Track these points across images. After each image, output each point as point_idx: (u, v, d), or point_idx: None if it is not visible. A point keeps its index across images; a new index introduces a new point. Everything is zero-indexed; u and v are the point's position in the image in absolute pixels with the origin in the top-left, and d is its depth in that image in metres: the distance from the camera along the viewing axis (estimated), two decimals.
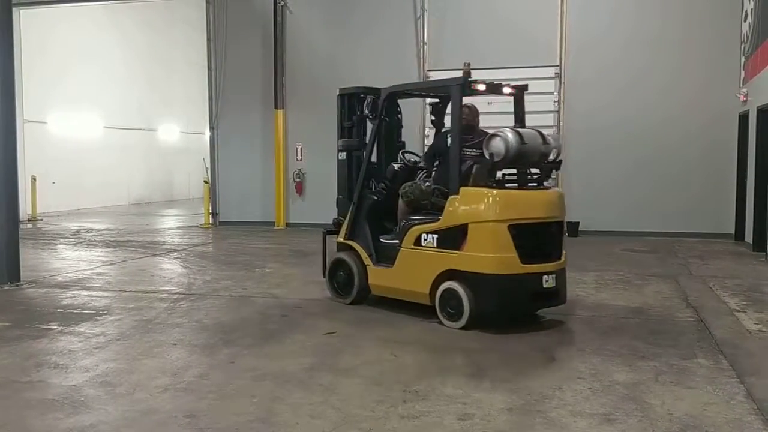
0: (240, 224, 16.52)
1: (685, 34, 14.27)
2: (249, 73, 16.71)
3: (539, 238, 6.80)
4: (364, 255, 7.66)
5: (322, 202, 16.29)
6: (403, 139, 8.52)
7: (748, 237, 12.67)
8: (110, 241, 14.09)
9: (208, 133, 17.72)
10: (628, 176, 14.59)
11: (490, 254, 6.52)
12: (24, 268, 9.44)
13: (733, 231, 13.79)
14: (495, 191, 6.62)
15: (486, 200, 6.57)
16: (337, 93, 8.46)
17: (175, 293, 8.63)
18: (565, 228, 7.16)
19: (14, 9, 11.75)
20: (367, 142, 8.00)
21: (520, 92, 7.59)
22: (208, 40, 17.02)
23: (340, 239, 8.01)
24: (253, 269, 10.52)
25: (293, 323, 7.08)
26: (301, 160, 16.50)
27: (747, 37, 13.24)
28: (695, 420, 4.48)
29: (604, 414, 4.59)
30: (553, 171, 7.36)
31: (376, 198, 7.73)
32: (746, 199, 12.93)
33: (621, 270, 10.27)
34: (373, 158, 8.07)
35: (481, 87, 7.08)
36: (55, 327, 6.91)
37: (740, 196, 13.50)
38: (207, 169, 17.39)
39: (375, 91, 8.01)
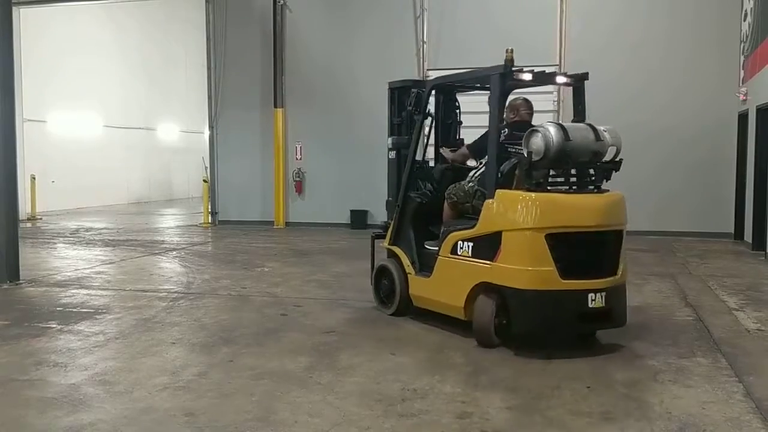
0: (239, 223, 16.53)
1: (683, 34, 14.28)
2: (248, 72, 16.72)
3: (588, 250, 5.96)
4: (406, 262, 7.05)
5: (321, 202, 16.38)
6: (462, 137, 7.96)
7: (748, 236, 12.67)
8: (109, 240, 14.10)
9: (207, 132, 17.73)
10: (627, 175, 14.39)
11: (524, 267, 5.76)
12: (23, 267, 9.44)
13: (732, 230, 13.80)
14: (533, 195, 5.83)
15: (520, 205, 5.82)
16: (387, 87, 7.89)
17: (174, 292, 8.63)
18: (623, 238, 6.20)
19: (14, 8, 11.74)
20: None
21: (577, 81, 6.77)
22: (208, 39, 17.02)
23: (385, 244, 7.44)
24: (252, 268, 10.52)
25: (292, 322, 7.08)
26: (300, 159, 16.50)
27: (746, 37, 13.24)
28: (694, 419, 4.48)
29: (603, 413, 4.59)
30: (613, 172, 6.35)
31: (420, 200, 7.10)
32: (745, 198, 12.94)
33: None
34: (427, 156, 7.74)
35: (526, 76, 6.38)
36: (55, 326, 6.91)
37: (739, 196, 13.51)
38: (206, 168, 17.39)
39: (422, 84, 7.50)
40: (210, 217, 17.00)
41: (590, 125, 6.19)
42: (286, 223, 16.52)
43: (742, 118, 13.42)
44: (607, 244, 6.06)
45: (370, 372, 5.42)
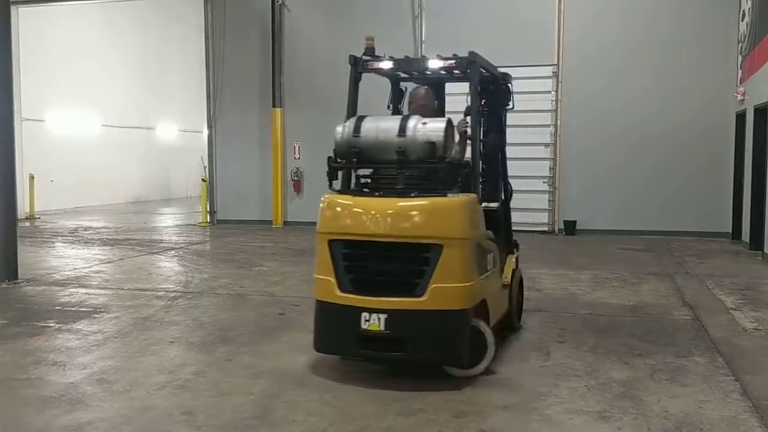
0: (237, 222, 16.54)
1: (682, 33, 14.29)
2: (247, 72, 16.72)
3: (377, 263, 5.14)
4: None
5: (319, 201, 16.36)
6: None
7: (745, 236, 12.69)
8: (108, 239, 14.09)
9: (205, 132, 17.72)
10: (625, 175, 14.62)
11: (315, 274, 5.39)
12: (22, 266, 9.44)
13: (729, 230, 13.83)
14: (326, 197, 5.39)
15: (319, 208, 5.40)
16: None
17: (173, 291, 8.64)
18: (465, 254, 5.08)
19: (12, 7, 11.74)
20: None
21: (464, 68, 5.74)
22: (206, 38, 17.02)
23: None
24: (251, 267, 10.53)
25: (290, 321, 7.10)
26: (299, 158, 16.50)
27: (744, 36, 13.26)
28: (690, 417, 4.50)
29: (600, 411, 4.61)
30: (458, 175, 5.39)
31: None
32: (743, 197, 12.95)
33: (617, 268, 10.29)
34: None
35: (382, 64, 5.86)
36: (53, 324, 6.91)
37: (737, 195, 13.53)
38: (205, 167, 17.39)
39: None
40: (208, 217, 17.01)
41: (410, 117, 5.30)
42: (284, 222, 16.53)
43: (740, 117, 13.44)
44: (401, 259, 5.08)
45: (368, 371, 5.43)
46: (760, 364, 5.70)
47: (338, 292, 5.14)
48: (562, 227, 14.82)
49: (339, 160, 5.43)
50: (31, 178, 17.73)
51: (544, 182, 15.01)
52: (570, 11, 14.66)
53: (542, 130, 14.92)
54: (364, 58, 5.83)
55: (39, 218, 17.95)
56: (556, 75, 14.78)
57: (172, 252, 12.22)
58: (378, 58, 5.84)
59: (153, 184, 25.86)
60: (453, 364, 5.19)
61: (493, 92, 6.51)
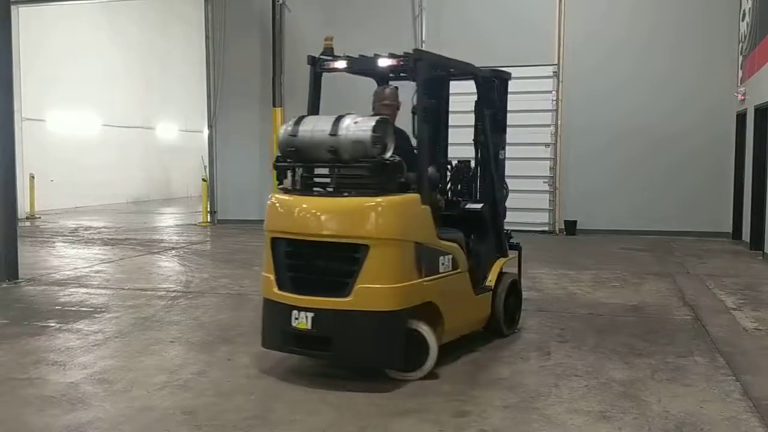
0: (238, 222, 16.51)
1: (683, 33, 14.29)
2: (247, 72, 16.71)
3: (309, 262, 5.21)
4: None
5: None
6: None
7: (746, 236, 12.68)
8: (108, 238, 14.10)
9: (206, 132, 17.71)
10: (625, 175, 14.61)
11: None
12: (22, 266, 9.44)
13: (730, 230, 13.82)
14: (273, 196, 5.52)
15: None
16: None
17: (173, 291, 8.64)
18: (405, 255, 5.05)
19: (13, 7, 11.75)
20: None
21: (411, 63, 5.54)
22: (207, 38, 17.00)
23: None
24: (251, 267, 10.50)
25: None
26: None
27: (745, 36, 13.25)
28: (691, 417, 4.49)
29: (601, 411, 4.61)
30: (386, 173, 5.11)
31: None
32: (743, 198, 12.95)
33: (618, 268, 10.29)
34: None
35: (337, 63, 5.85)
36: (53, 324, 6.91)
37: (737, 195, 13.52)
38: (205, 167, 17.39)
39: None
40: (209, 216, 17.00)
41: (344, 117, 5.20)
42: None
43: (741, 118, 13.44)
44: (329, 258, 5.12)
45: (367, 371, 5.42)
46: (760, 364, 5.70)
47: (275, 290, 5.23)
48: (563, 227, 14.81)
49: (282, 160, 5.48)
50: (32, 177, 17.73)
51: (544, 182, 15.01)
52: (571, 11, 14.65)
53: (543, 129, 14.91)
54: (322, 58, 5.86)
55: (39, 218, 17.95)
56: (556, 75, 14.78)
57: (173, 252, 12.22)
58: (334, 58, 5.83)
59: (153, 184, 25.85)
60: (383, 366, 5.20)
61: (482, 91, 6.55)
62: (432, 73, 5.93)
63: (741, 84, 13.42)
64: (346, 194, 5.19)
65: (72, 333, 6.59)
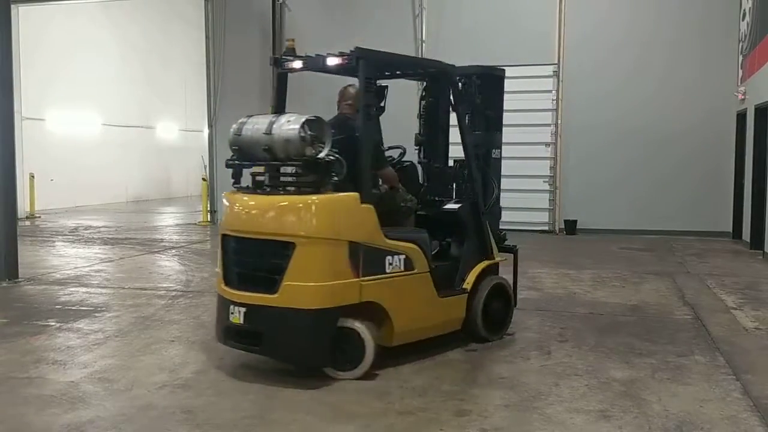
0: None
1: (683, 33, 14.29)
2: (247, 71, 16.69)
3: (243, 258, 5.43)
4: None
5: None
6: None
7: (746, 235, 12.69)
8: (108, 238, 14.09)
9: (206, 131, 17.71)
10: (626, 175, 14.61)
11: None
12: (22, 265, 9.44)
13: (730, 229, 13.82)
14: (224, 194, 5.69)
15: None
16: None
17: (173, 290, 8.64)
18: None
19: (12, 6, 11.74)
20: None
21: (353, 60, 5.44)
22: (207, 37, 17.00)
23: None
24: None
25: None
26: None
27: (745, 36, 13.25)
28: (691, 416, 4.50)
29: (601, 410, 4.61)
30: (326, 172, 5.20)
31: None
32: (744, 197, 12.95)
33: (618, 268, 10.29)
34: None
35: (294, 63, 5.87)
36: (54, 323, 6.91)
37: (738, 195, 13.52)
38: (205, 166, 17.38)
39: None
40: (209, 216, 16.99)
41: (280, 116, 5.32)
42: None
43: (741, 117, 13.44)
44: (262, 255, 5.25)
45: (368, 369, 5.42)
46: (760, 363, 5.70)
47: (221, 285, 5.46)
48: (563, 227, 14.81)
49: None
50: (32, 177, 17.72)
51: (544, 181, 15.01)
52: (571, 11, 14.65)
53: (543, 129, 14.92)
54: (283, 58, 5.93)
55: (39, 217, 17.95)
56: (556, 74, 14.77)
57: (173, 251, 12.22)
58: (293, 58, 5.87)
59: (153, 184, 25.84)
60: (311, 364, 5.26)
61: (461, 90, 6.54)
62: (376, 72, 5.90)
63: (741, 83, 13.42)
64: (282, 192, 5.31)
65: (72, 332, 6.59)
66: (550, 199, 15.05)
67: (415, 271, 5.53)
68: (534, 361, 5.74)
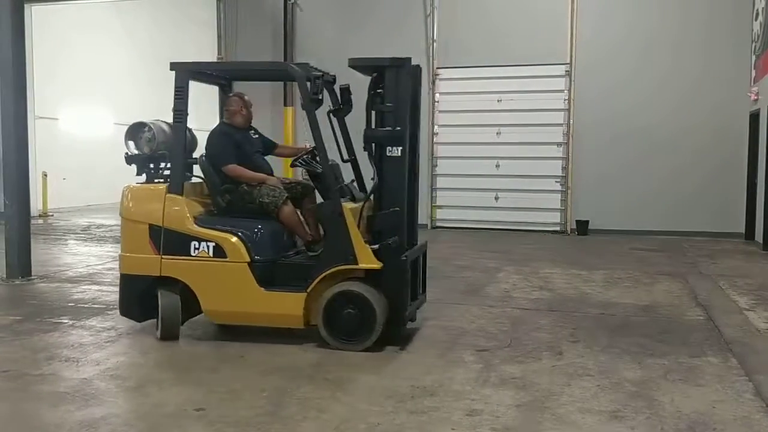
0: None
1: (695, 33, 14.23)
2: None
3: None
4: None
5: None
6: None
7: (759, 236, 12.63)
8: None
9: None
10: (638, 175, 14.56)
11: None
12: (35, 263, 9.49)
13: (743, 230, 13.75)
14: None
15: None
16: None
17: None
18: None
19: (26, 6, 11.81)
20: None
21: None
22: (219, 37, 17.09)
23: None
24: None
25: None
26: None
27: (758, 36, 13.18)
28: (704, 417, 4.48)
29: (613, 411, 4.59)
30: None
31: None
32: (756, 198, 12.89)
33: (630, 268, 10.26)
34: None
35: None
36: (66, 321, 6.95)
37: (750, 195, 13.45)
38: None
39: None
40: None
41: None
42: None
43: (754, 117, 13.37)
44: None
45: (379, 369, 5.44)
46: None
47: None
48: (575, 227, 14.77)
49: None
50: (44, 175, 17.83)
51: (556, 182, 14.98)
52: (583, 10, 14.61)
53: (554, 129, 14.89)
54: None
55: (52, 215, 18.06)
56: (568, 74, 14.74)
57: None
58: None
59: None
60: (128, 316, 6.51)
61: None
62: (192, 80, 6.77)
63: (754, 84, 13.36)
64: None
65: (85, 329, 6.63)
66: (561, 200, 15.02)
67: (228, 259, 6.03)
68: (546, 361, 5.73)
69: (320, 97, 6.30)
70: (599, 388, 5.04)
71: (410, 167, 6.23)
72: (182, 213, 6.15)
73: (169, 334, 6.17)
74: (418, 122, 6.64)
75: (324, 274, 5.94)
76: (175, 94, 6.48)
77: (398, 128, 6.08)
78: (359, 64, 6.57)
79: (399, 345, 6.05)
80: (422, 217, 15.29)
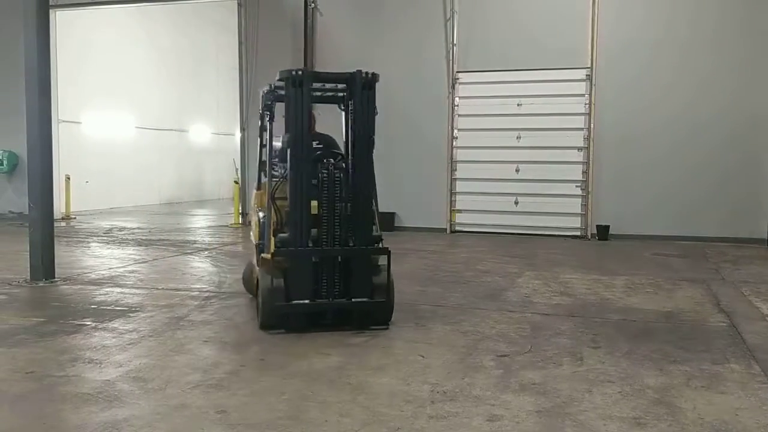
0: None
1: (718, 36, 14.12)
2: None
3: None
4: None
5: None
6: None
7: None
8: (142, 239, 14.27)
9: (238, 134, 17.88)
10: (659, 180, 14.47)
11: None
12: (58, 266, 9.60)
13: (766, 236, 13.61)
14: None
15: None
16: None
17: (206, 291, 8.72)
18: None
19: (51, 10, 11.95)
20: None
21: None
22: (240, 42, 17.20)
23: None
24: None
25: None
26: None
27: None
28: (726, 425, 4.44)
29: (635, 418, 4.56)
30: None
31: None
32: None
33: (651, 274, 10.19)
34: None
35: None
36: (89, 323, 7.02)
37: None
38: (237, 169, 17.54)
39: None
40: (240, 218, 17.13)
41: None
42: None
43: None
44: None
45: (400, 373, 5.44)
46: None
47: None
48: (595, 232, 14.69)
49: None
50: (68, 178, 18.02)
51: (577, 186, 14.92)
52: (604, 13, 14.55)
53: (575, 133, 14.84)
54: None
55: (75, 218, 18.24)
56: (589, 78, 14.68)
57: (206, 252, 12.34)
58: None
59: (186, 186, 26.14)
60: None
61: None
62: None
63: None
64: None
65: (107, 332, 6.68)
66: (582, 204, 14.95)
67: None
68: (566, 367, 5.70)
69: None
70: (621, 394, 5.01)
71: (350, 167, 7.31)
72: None
73: None
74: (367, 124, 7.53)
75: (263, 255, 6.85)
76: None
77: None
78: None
79: (419, 350, 6.05)
80: (441, 221, 15.31)
